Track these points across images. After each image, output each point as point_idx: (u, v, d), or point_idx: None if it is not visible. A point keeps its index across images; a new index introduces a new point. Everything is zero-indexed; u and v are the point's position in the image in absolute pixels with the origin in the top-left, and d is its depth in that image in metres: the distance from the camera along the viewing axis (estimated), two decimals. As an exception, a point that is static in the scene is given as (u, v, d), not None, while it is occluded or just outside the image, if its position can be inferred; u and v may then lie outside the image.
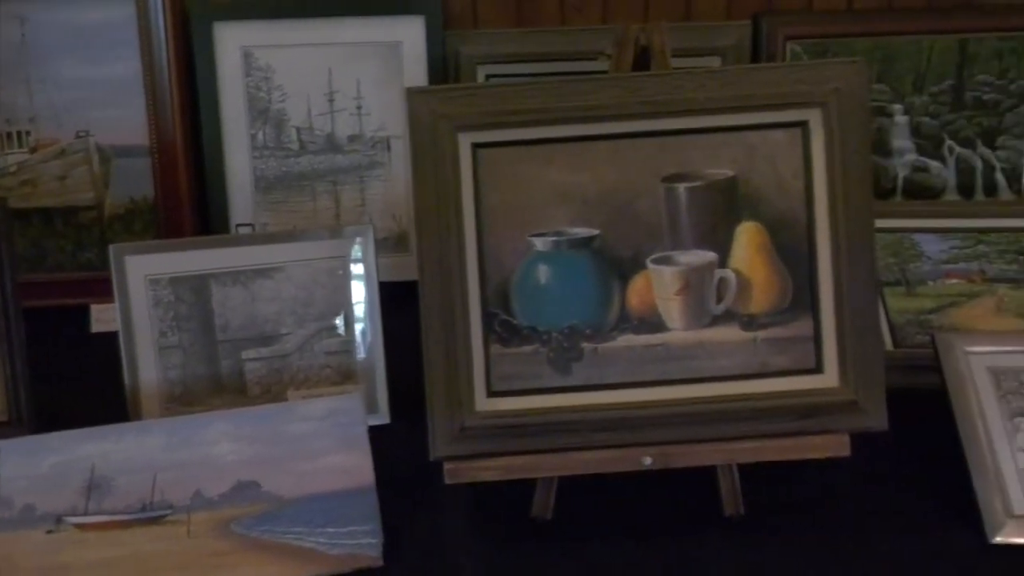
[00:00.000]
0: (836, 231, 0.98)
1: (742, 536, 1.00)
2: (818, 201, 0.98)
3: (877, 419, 0.99)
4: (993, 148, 1.48)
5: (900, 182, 1.48)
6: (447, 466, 0.97)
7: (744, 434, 0.98)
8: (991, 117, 1.47)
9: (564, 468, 0.98)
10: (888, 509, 1.04)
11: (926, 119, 1.47)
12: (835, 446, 0.97)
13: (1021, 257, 1.33)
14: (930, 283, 1.31)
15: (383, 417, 1.16)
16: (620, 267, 0.99)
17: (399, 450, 1.07)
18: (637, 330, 0.99)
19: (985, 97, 1.47)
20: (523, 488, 1.01)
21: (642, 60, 1.01)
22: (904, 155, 1.48)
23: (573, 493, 1.02)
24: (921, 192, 1.48)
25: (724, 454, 0.98)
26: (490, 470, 0.97)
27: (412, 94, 0.97)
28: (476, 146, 0.97)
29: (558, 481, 1.01)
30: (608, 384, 0.99)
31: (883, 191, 1.48)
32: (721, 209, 0.99)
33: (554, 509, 1.01)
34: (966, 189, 1.49)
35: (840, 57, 1.42)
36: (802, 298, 0.99)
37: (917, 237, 1.36)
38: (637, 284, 0.99)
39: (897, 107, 1.46)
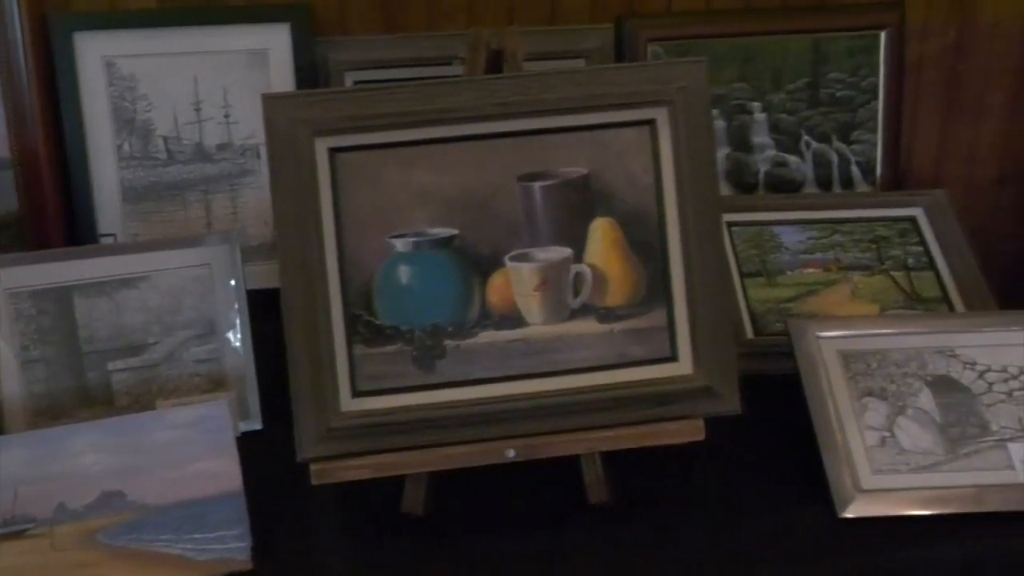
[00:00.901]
0: (685, 224, 1.02)
1: (607, 523, 1.03)
2: (667, 196, 1.02)
3: (730, 403, 1.03)
4: (848, 142, 1.54)
5: (762, 177, 1.53)
6: (314, 467, 0.98)
7: (605, 423, 1.01)
8: (845, 113, 1.53)
9: (431, 464, 1.00)
10: (746, 490, 1.08)
11: (784, 116, 1.52)
12: (690, 431, 1.01)
13: (874, 246, 1.39)
14: (789, 273, 1.36)
15: (256, 422, 1.17)
16: (480, 265, 1.01)
17: (272, 454, 1.07)
18: (498, 326, 1.01)
19: (839, 94, 1.53)
20: (396, 486, 1.02)
21: (495, 63, 1.03)
22: (765, 151, 1.53)
23: (446, 487, 1.04)
24: (782, 186, 1.54)
25: (585, 443, 1.01)
26: (357, 469, 0.99)
27: (268, 100, 0.98)
28: (334, 150, 0.99)
29: (431, 477, 1.02)
30: (472, 380, 1.01)
31: (746, 186, 1.53)
32: (576, 206, 1.02)
33: (426, 504, 1.03)
34: (824, 182, 1.55)
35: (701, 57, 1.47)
36: (656, 290, 1.03)
37: (777, 229, 1.41)
38: (497, 281, 1.01)
39: (756, 105, 1.51)
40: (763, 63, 1.51)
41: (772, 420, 1.16)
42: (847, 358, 1.14)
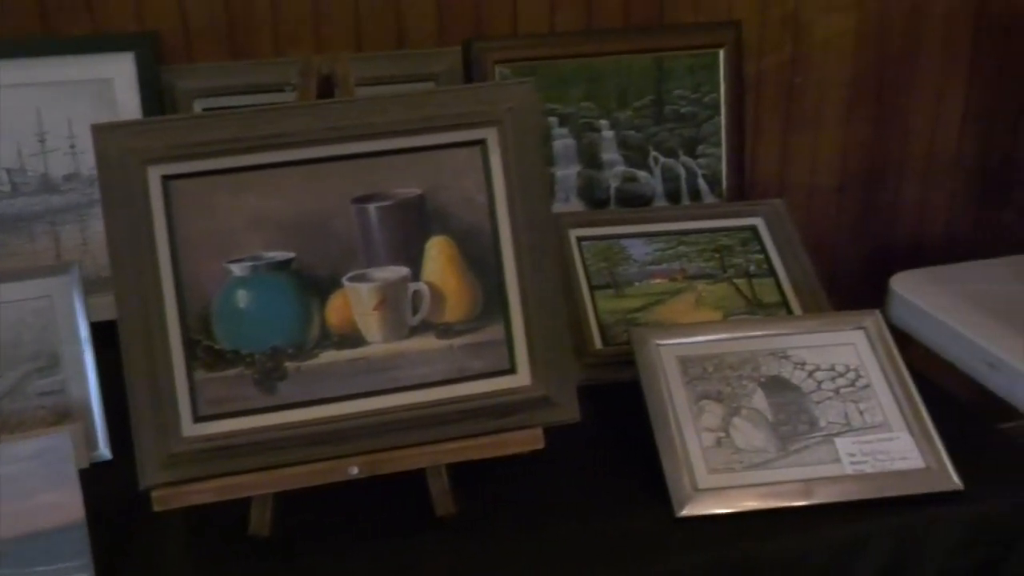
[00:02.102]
0: (518, 240, 1.05)
1: (454, 534, 1.05)
2: (500, 213, 1.05)
3: (569, 412, 1.06)
4: (694, 156, 1.60)
5: (613, 192, 1.58)
6: (155, 493, 0.98)
7: (447, 436, 1.03)
8: (690, 128, 1.59)
9: (274, 485, 1.01)
10: (590, 495, 1.11)
11: (632, 132, 1.58)
12: (531, 440, 1.04)
13: (717, 255, 1.45)
14: (637, 284, 1.41)
15: (104, 453, 1.16)
16: (318, 287, 1.03)
17: (120, 484, 1.07)
18: (339, 346, 1.03)
19: (683, 110, 1.59)
20: (246, 508, 1.03)
21: (328, 89, 1.05)
22: (614, 167, 1.58)
23: (295, 507, 1.05)
24: (632, 200, 1.59)
25: (429, 457, 1.03)
26: (200, 493, 0.99)
27: (98, 130, 0.98)
28: (167, 178, 0.99)
29: (277, 497, 1.03)
30: (314, 400, 1.02)
31: (597, 201, 1.58)
32: (411, 225, 1.04)
33: (272, 525, 1.03)
34: (673, 195, 1.60)
35: (548, 77, 1.52)
36: (493, 305, 1.06)
37: (625, 242, 1.46)
38: (336, 302, 1.03)
39: (604, 122, 1.56)
40: (609, 82, 1.56)
41: (618, 426, 1.20)
42: (685, 363, 1.18)
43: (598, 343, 1.33)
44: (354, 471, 1.01)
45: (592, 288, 1.39)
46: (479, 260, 1.05)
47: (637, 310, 1.37)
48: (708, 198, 1.62)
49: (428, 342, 1.05)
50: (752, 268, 1.43)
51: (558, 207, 1.56)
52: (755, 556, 1.05)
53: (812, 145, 1.71)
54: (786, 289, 1.41)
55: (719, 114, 1.60)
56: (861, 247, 1.80)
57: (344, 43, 1.44)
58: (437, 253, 1.05)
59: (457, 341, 1.05)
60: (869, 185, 1.76)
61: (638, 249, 1.45)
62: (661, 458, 1.10)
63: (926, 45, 1.70)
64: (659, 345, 1.19)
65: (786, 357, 1.20)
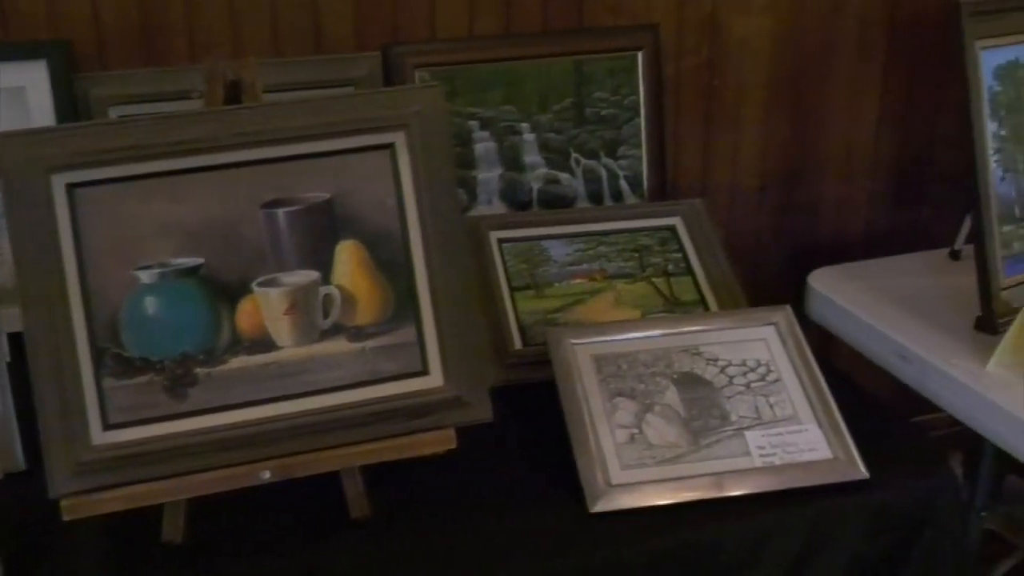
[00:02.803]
0: (428, 242, 1.06)
1: (370, 535, 1.06)
2: (410, 216, 1.06)
3: (482, 412, 1.07)
4: (615, 158, 1.62)
5: (535, 194, 1.59)
6: (65, 502, 0.98)
7: (361, 438, 1.04)
8: (610, 130, 1.61)
9: (185, 491, 1.01)
10: (506, 493, 1.13)
11: (553, 135, 1.59)
12: (443, 441, 1.05)
13: (636, 254, 1.47)
14: (557, 284, 1.42)
15: (19, 465, 1.15)
16: (227, 292, 1.03)
17: (34, 494, 1.06)
18: (249, 351, 1.03)
19: (603, 112, 1.61)
20: (159, 516, 1.03)
21: (235, 95, 1.05)
22: (536, 169, 1.59)
23: (210, 513, 1.05)
24: (555, 202, 1.60)
25: (341, 460, 1.03)
26: (110, 502, 0.99)
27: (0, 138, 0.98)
28: (71, 186, 0.99)
29: (190, 504, 1.03)
30: (225, 405, 1.03)
31: (520, 203, 1.59)
32: (321, 230, 1.05)
33: (186, 532, 1.03)
34: (595, 196, 1.62)
35: (468, 81, 1.53)
36: (404, 307, 1.07)
37: (546, 243, 1.47)
38: (245, 307, 1.03)
39: (525, 126, 1.58)
40: (529, 85, 1.57)
41: (536, 425, 1.21)
42: (600, 362, 1.20)
43: (518, 344, 1.34)
44: (266, 475, 1.01)
45: (512, 289, 1.41)
46: (390, 263, 1.06)
47: (557, 310, 1.39)
48: (630, 199, 1.63)
49: (340, 345, 1.05)
50: (670, 267, 1.46)
51: (480, 210, 1.57)
52: (667, 549, 1.07)
53: (732, 145, 1.74)
54: (703, 287, 1.43)
55: (639, 116, 1.62)
56: (783, 245, 1.83)
57: (261, 49, 1.44)
58: (347, 257, 1.05)
59: (369, 344, 1.06)
60: (789, 184, 1.80)
61: (559, 250, 1.46)
62: (575, 455, 1.12)
63: (841, 46, 1.74)
64: (574, 344, 1.21)
65: (699, 353, 1.22)
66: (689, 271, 1.45)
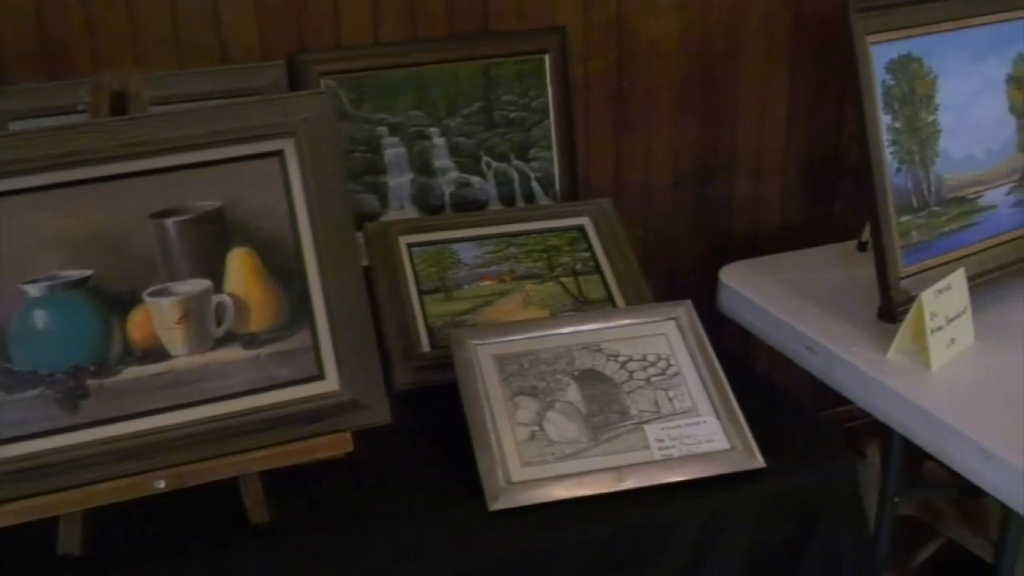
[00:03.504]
0: (320, 248, 1.07)
1: (269, 541, 1.06)
2: (301, 222, 1.07)
3: (380, 414, 1.08)
4: (526, 160, 1.64)
5: (447, 198, 1.60)
6: (-46, 519, 0.97)
7: (258, 445, 1.05)
8: (520, 133, 1.63)
9: (78, 503, 1.01)
10: (408, 494, 1.13)
11: (463, 139, 1.60)
12: (338, 444, 1.06)
13: (546, 255, 1.48)
14: (466, 287, 1.43)
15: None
16: (118, 303, 1.03)
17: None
18: (142, 361, 1.04)
19: (512, 115, 1.62)
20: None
21: (121, 106, 1.05)
22: (447, 173, 1.60)
23: (110, 523, 1.05)
24: (467, 205, 1.61)
25: (236, 467, 1.04)
26: (4, 516, 0.99)
27: None
28: (-45, 201, 0.99)
29: (87, 516, 1.03)
30: (119, 416, 1.03)
31: (433, 208, 1.60)
32: (212, 238, 1.05)
33: (84, 544, 1.03)
34: (507, 199, 1.63)
35: (375, 88, 1.53)
36: (298, 313, 1.07)
37: (456, 247, 1.48)
38: (137, 318, 1.03)
39: (434, 130, 1.59)
40: (436, 90, 1.58)
41: (442, 426, 1.22)
42: (502, 361, 1.21)
43: (426, 346, 1.35)
44: (160, 485, 1.01)
45: (421, 293, 1.42)
46: (282, 269, 1.07)
47: (466, 312, 1.40)
48: (542, 200, 1.65)
49: (234, 353, 1.06)
50: (579, 266, 1.47)
51: (392, 215, 1.58)
52: (567, 543, 1.09)
53: (644, 145, 1.76)
54: (611, 284, 1.45)
55: (548, 118, 1.63)
56: (700, 241, 1.85)
57: (165, 60, 1.44)
58: (239, 264, 1.06)
59: (264, 350, 1.06)
60: (703, 182, 1.82)
61: (468, 253, 1.47)
62: (475, 455, 1.13)
63: (748, 45, 1.76)
64: (476, 345, 1.22)
65: (600, 350, 1.23)
66: (597, 269, 1.47)
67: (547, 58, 1.62)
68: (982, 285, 1.49)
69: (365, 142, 1.55)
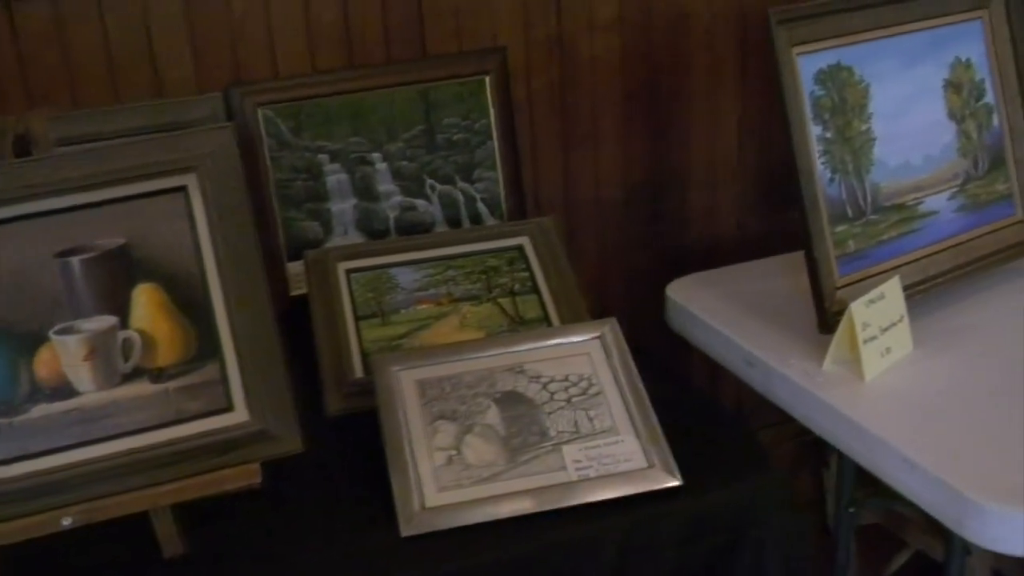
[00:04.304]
0: (226, 281, 1.08)
1: (184, 574, 1.07)
2: (207, 256, 1.08)
3: (291, 444, 1.09)
4: (471, 182, 1.64)
5: (392, 222, 1.62)
6: None
7: (168, 478, 1.06)
8: (464, 155, 1.64)
9: (-14, 542, 1.02)
10: (326, 522, 1.14)
11: (405, 163, 1.61)
12: (247, 475, 1.07)
13: (484, 276, 1.49)
14: (403, 311, 1.44)
15: None
16: (24, 343, 1.05)
17: None
18: (50, 399, 1.05)
19: (455, 137, 1.63)
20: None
21: (24, 147, 1.07)
22: (391, 197, 1.61)
23: (24, 563, 1.06)
24: (413, 229, 1.62)
25: (144, 501, 1.05)
26: (-88, 557, 1.00)
27: None
28: None
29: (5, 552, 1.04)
30: (28, 454, 1.04)
31: (377, 232, 1.61)
32: (117, 275, 1.07)
33: (-2, 583, 1.05)
34: (453, 221, 1.64)
35: (314, 116, 1.55)
36: (206, 346, 1.08)
37: (395, 271, 1.49)
38: (44, 356, 1.05)
39: (376, 155, 1.60)
40: (376, 116, 1.59)
41: (370, 452, 1.22)
42: (424, 386, 1.22)
43: (359, 372, 1.36)
44: (67, 521, 1.02)
45: (358, 318, 1.42)
46: (189, 303, 1.08)
47: (401, 337, 1.41)
48: (490, 220, 1.66)
49: (142, 388, 1.07)
50: (517, 286, 1.48)
51: (336, 241, 1.59)
52: (481, 568, 1.09)
53: (592, 161, 1.76)
54: (548, 304, 1.45)
55: (492, 139, 1.64)
56: (654, 256, 1.86)
57: (100, 96, 1.46)
58: (145, 300, 1.07)
59: (172, 384, 1.07)
60: (655, 195, 1.82)
61: (407, 276, 1.48)
62: (392, 481, 1.13)
63: (694, 56, 1.77)
64: (397, 371, 1.23)
65: (522, 371, 1.24)
66: (535, 289, 1.47)
67: (487, 79, 1.63)
68: (925, 291, 1.48)
69: (306, 170, 1.57)
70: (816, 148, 1.41)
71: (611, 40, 1.71)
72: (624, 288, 1.84)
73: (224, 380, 1.08)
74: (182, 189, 1.08)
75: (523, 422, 1.19)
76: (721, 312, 1.53)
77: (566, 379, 1.23)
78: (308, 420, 1.28)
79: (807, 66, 1.41)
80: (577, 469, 1.15)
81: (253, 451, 1.07)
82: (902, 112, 1.50)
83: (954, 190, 1.54)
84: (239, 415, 1.08)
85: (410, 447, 1.16)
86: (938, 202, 1.53)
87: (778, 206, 1.91)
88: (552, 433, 1.18)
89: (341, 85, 1.57)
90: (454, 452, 1.16)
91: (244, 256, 1.08)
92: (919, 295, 1.47)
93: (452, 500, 1.12)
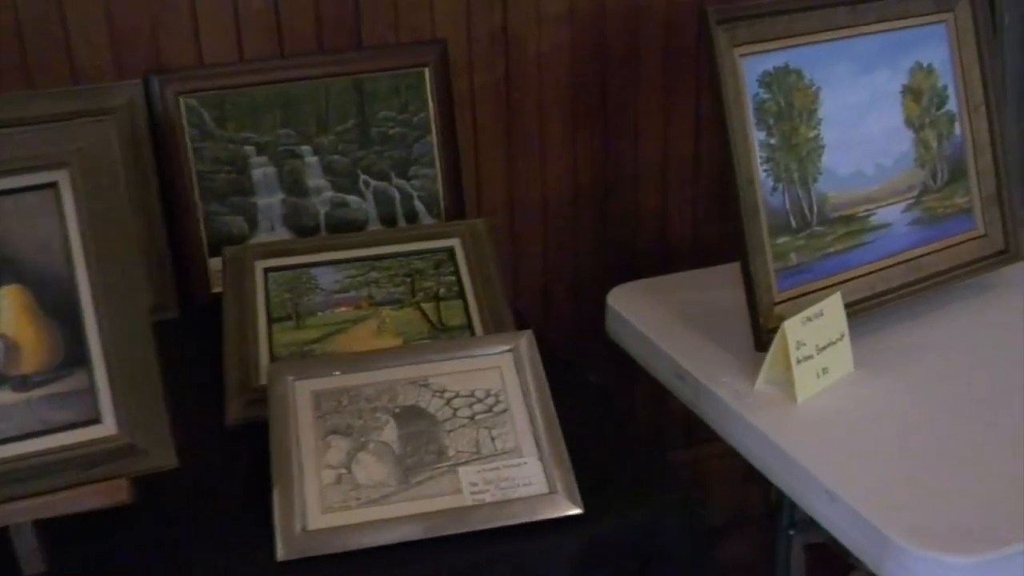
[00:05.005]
0: (97, 285, 1.01)
1: (45, 593, 1.01)
2: (76, 258, 1.02)
3: (163, 459, 1.03)
4: (407, 178, 1.57)
5: (322, 219, 1.55)
6: None
7: (30, 492, 0.99)
8: (400, 150, 1.57)
9: None
10: (201, 542, 1.07)
11: (337, 157, 1.55)
12: (114, 492, 1.00)
13: (409, 279, 1.42)
14: (320, 314, 1.37)
15: None
16: None
17: None
18: (-98, 406, 0.99)
19: (391, 132, 1.56)
20: None
21: None
22: (322, 193, 1.55)
23: None
24: (344, 226, 1.56)
25: (3, 516, 0.99)
26: None
27: None
28: None
29: None
30: None
31: (306, 229, 1.54)
32: (-20, 276, 1.01)
33: None
34: (388, 219, 1.57)
35: (240, 107, 1.48)
36: (74, 354, 1.02)
37: (316, 271, 1.42)
38: None
39: (306, 148, 1.53)
40: (306, 107, 1.52)
41: (261, 467, 1.16)
42: (319, 398, 1.15)
43: (264, 379, 1.29)
44: (-88, 537, 0.96)
45: (272, 321, 1.36)
46: (57, 307, 1.02)
47: (315, 341, 1.34)
48: (427, 219, 1.59)
49: (4, 396, 1.01)
50: (442, 291, 1.41)
51: (262, 237, 1.53)
52: (362, 597, 1.02)
53: (540, 160, 1.69)
54: (472, 311, 1.38)
55: (430, 134, 1.57)
56: (604, 260, 1.78)
57: (13, 81, 1.40)
58: (10, 303, 1.01)
59: (36, 393, 1.01)
60: (605, 196, 1.75)
61: (328, 277, 1.42)
62: (273, 500, 1.07)
63: (649, 51, 1.69)
64: (294, 381, 1.16)
65: (426, 385, 1.17)
66: (461, 295, 1.40)
67: (426, 72, 1.56)
68: (873, 308, 1.41)
69: (231, 162, 1.50)
70: (759, 155, 1.34)
71: (560, 34, 1.63)
72: (572, 294, 1.77)
73: (92, 390, 1.02)
74: (52, 186, 1.01)
75: (421, 440, 1.12)
76: (658, 322, 1.46)
77: (472, 395, 1.16)
78: (209, 429, 1.23)
79: (751, 68, 1.33)
80: (473, 493, 1.08)
81: (120, 466, 1.01)
82: (855, 119, 1.42)
83: (909, 202, 1.47)
84: (107, 427, 1.02)
85: (298, 464, 1.09)
86: (891, 214, 1.45)
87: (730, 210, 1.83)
88: (451, 453, 1.11)
89: (270, 75, 1.51)
90: (344, 470, 1.10)
91: (119, 259, 1.02)
92: (866, 312, 1.40)
93: (336, 523, 1.06)
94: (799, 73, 1.37)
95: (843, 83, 1.41)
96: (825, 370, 1.29)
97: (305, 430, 1.12)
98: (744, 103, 1.32)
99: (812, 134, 1.39)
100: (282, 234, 1.54)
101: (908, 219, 1.46)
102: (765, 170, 1.34)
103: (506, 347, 1.20)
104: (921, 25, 1.47)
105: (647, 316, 1.48)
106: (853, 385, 1.31)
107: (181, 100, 1.46)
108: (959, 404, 1.27)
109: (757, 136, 1.34)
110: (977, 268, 1.51)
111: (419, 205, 1.59)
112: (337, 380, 1.17)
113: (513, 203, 1.69)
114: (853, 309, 1.38)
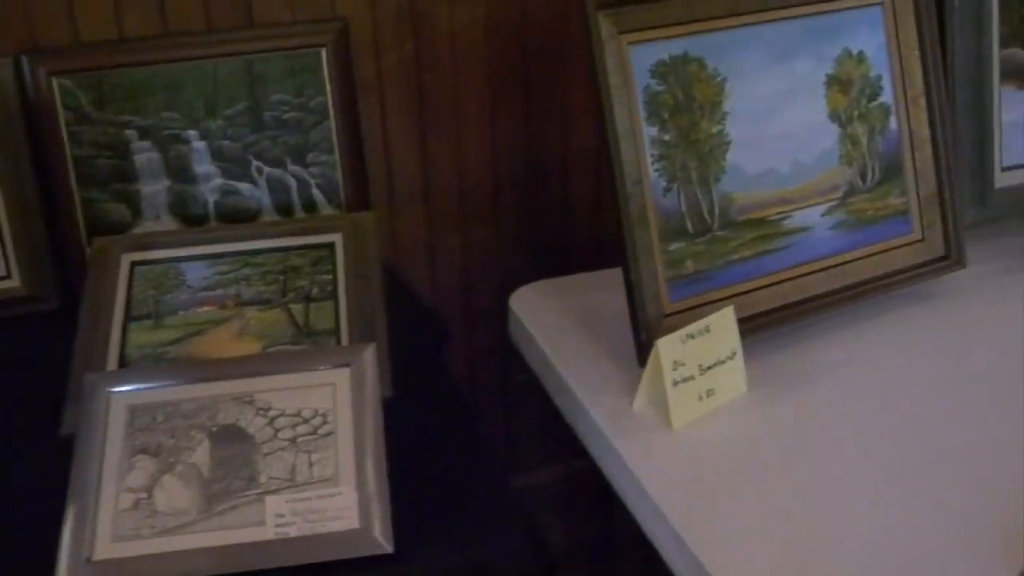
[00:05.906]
0: None
1: None
2: None
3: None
4: (305, 165, 1.48)
5: (212, 207, 1.47)
6: None
7: None
8: (296, 135, 1.47)
9: None
10: (-11, 568, 1.01)
11: (227, 143, 1.46)
12: None
13: (282, 277, 1.33)
14: (182, 313, 1.29)
15: None
16: None
17: None
18: None
19: (286, 116, 1.47)
20: None
21: None
22: (211, 180, 1.46)
23: None
24: (237, 215, 1.47)
25: None
26: None
27: None
28: None
29: None
30: None
31: (195, 218, 1.46)
32: None
33: None
34: (284, 208, 1.49)
35: (119, 88, 1.40)
36: None
37: (185, 266, 1.34)
38: None
39: (193, 133, 1.45)
40: (192, 89, 1.43)
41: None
42: (134, 412, 1.08)
43: (107, 384, 1.22)
44: None
45: (130, 319, 1.28)
46: None
47: (171, 343, 1.26)
48: (327, 209, 1.50)
49: None
50: (315, 291, 1.32)
51: (147, 226, 1.45)
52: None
53: (456, 146, 1.59)
54: (342, 315, 1.29)
55: (329, 119, 1.48)
56: (530, 254, 1.68)
57: None
58: None
59: None
60: (531, 185, 1.64)
61: (197, 273, 1.33)
62: (63, 525, 1.00)
63: (576, 28, 1.56)
64: (111, 392, 1.09)
65: (251, 402, 1.09)
66: (333, 296, 1.31)
67: (324, 52, 1.46)
68: (788, 320, 1.29)
69: (110, 147, 1.42)
70: (650, 152, 1.22)
71: (475, 10, 1.52)
72: (496, 292, 1.66)
73: None
74: None
75: (235, 464, 1.04)
76: (553, 329, 1.36)
77: (298, 414, 1.07)
78: (40, 439, 1.16)
79: (642, 57, 1.21)
80: (277, 525, 0.99)
81: None
82: (769, 112, 1.29)
83: (832, 203, 1.34)
84: None
85: (97, 485, 1.02)
86: (811, 217, 1.33)
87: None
88: (262, 479, 1.03)
89: (152, 54, 1.42)
90: (144, 495, 1.02)
91: None
92: (778, 324, 1.28)
93: (125, 553, 0.98)
94: (700, 62, 1.25)
95: (755, 73, 1.28)
96: (711, 392, 1.18)
97: (113, 448, 1.05)
98: (633, 96, 1.21)
99: (716, 129, 1.26)
100: (168, 222, 1.45)
101: (829, 223, 1.33)
102: (657, 169, 1.22)
103: (344, 362, 1.11)
104: (851, 8, 1.33)
105: (543, 320, 1.38)
106: (741, 410, 1.19)
107: (54, 81, 1.38)
108: (861, 436, 1.15)
109: (648, 132, 1.22)
110: (913, 276, 1.38)
111: (318, 194, 1.49)
112: (156, 394, 1.09)
113: (429, 193, 1.59)
114: (760, 322, 1.26)
